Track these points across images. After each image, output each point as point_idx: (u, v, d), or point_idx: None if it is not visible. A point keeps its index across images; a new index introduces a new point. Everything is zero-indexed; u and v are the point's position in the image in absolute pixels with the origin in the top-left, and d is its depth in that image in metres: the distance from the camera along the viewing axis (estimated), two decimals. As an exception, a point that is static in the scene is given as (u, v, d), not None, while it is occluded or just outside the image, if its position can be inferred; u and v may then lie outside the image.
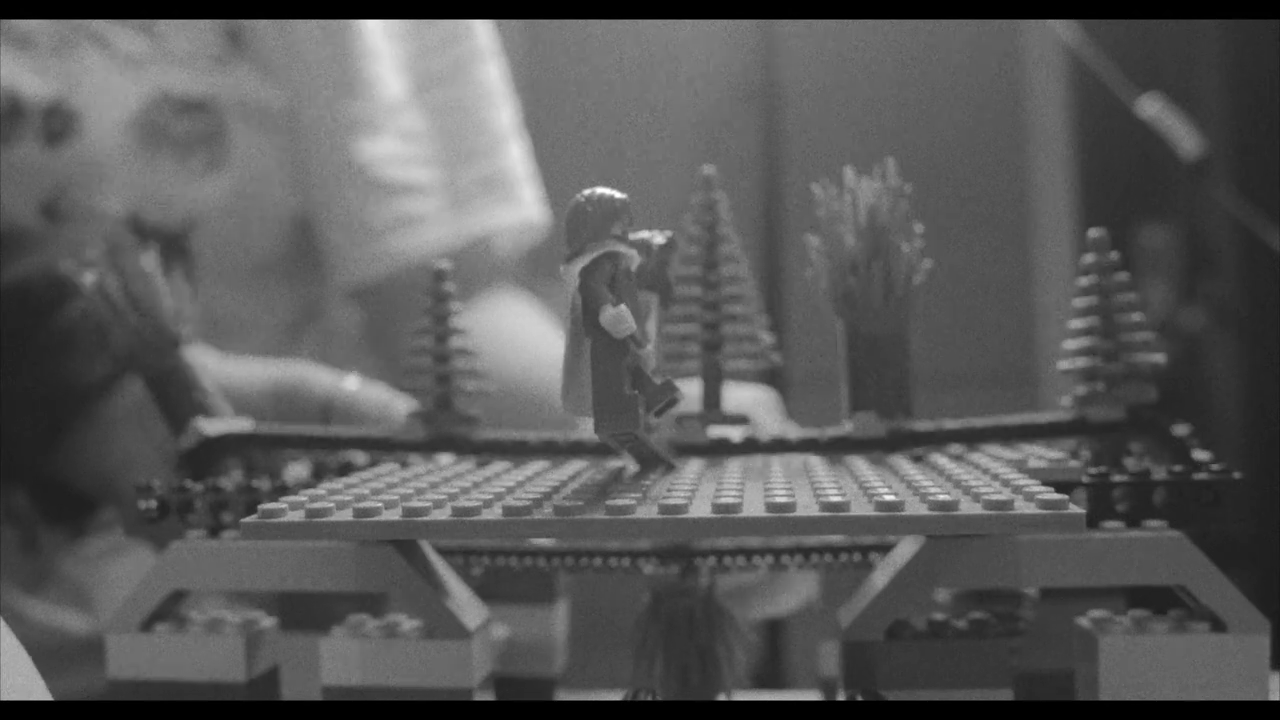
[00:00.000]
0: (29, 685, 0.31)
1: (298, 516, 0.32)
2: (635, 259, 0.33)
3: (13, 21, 0.73)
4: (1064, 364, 0.41)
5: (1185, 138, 1.25)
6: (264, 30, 0.77)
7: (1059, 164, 2.16)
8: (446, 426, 0.45)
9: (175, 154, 0.74)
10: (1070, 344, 0.41)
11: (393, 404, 0.55)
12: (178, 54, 0.75)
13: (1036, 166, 2.15)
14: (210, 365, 0.61)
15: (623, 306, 0.31)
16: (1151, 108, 1.26)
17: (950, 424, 0.42)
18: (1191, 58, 2.24)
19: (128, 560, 0.73)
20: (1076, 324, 0.41)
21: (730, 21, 1.78)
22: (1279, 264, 1.19)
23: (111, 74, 0.74)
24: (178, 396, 0.47)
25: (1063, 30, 1.36)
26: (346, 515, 0.32)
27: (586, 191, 0.33)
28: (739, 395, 0.65)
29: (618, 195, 0.33)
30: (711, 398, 0.43)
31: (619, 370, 0.32)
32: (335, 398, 0.56)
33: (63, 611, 0.73)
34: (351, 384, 0.58)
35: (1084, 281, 0.41)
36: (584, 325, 0.32)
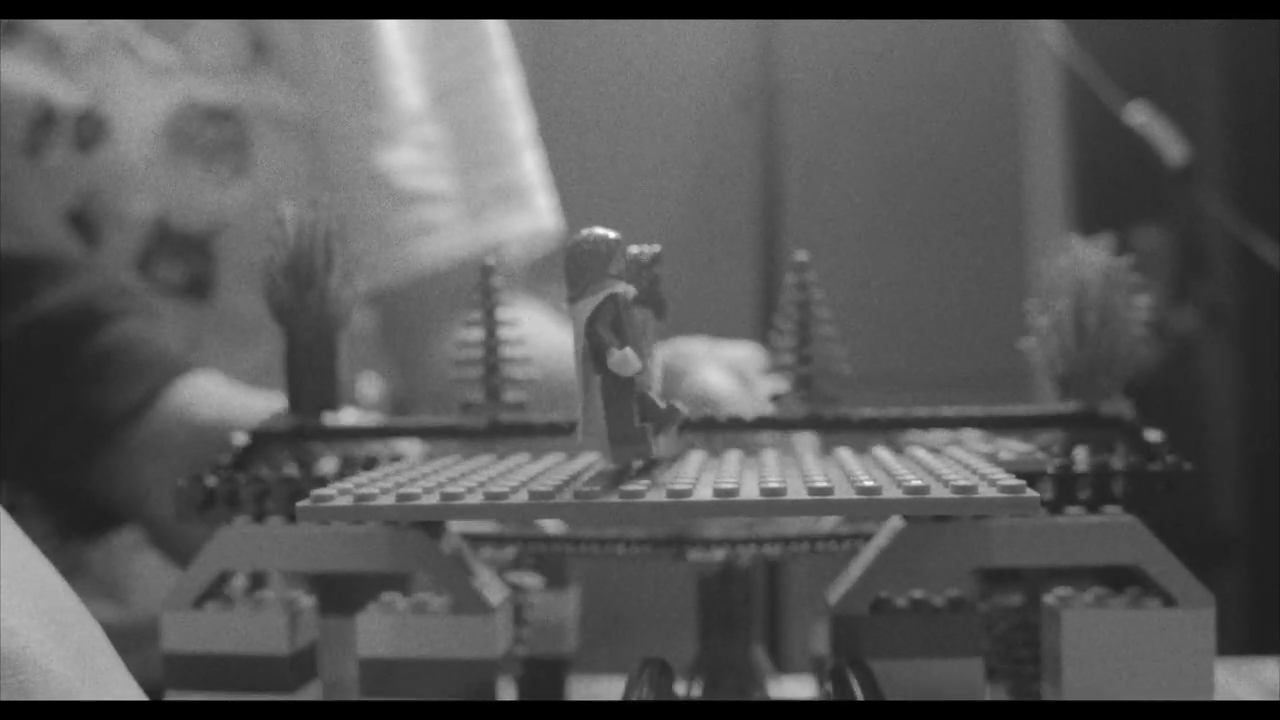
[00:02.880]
0: (112, 669, 0.35)
1: (346, 501, 0.36)
2: (632, 291, 0.36)
3: (45, 31, 0.77)
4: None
5: (1171, 145, 1.28)
6: (288, 41, 0.80)
7: (1053, 168, 2.19)
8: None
9: (201, 160, 0.77)
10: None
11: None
12: (204, 64, 0.78)
13: (1031, 170, 2.19)
14: (219, 393, 0.64)
15: (628, 349, 0.35)
16: (1139, 116, 1.29)
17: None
18: (1187, 64, 2.27)
19: (155, 553, 0.77)
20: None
21: (729, 28, 1.82)
22: (1270, 266, 1.23)
23: (141, 83, 0.77)
24: None
25: (1054, 38, 1.39)
26: (390, 499, 0.36)
27: (582, 234, 0.36)
28: (731, 352, 0.69)
29: (610, 235, 0.36)
30: None
31: (629, 405, 0.36)
32: None
33: (94, 603, 0.76)
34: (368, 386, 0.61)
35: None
36: (593, 366, 0.36)
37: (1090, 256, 0.45)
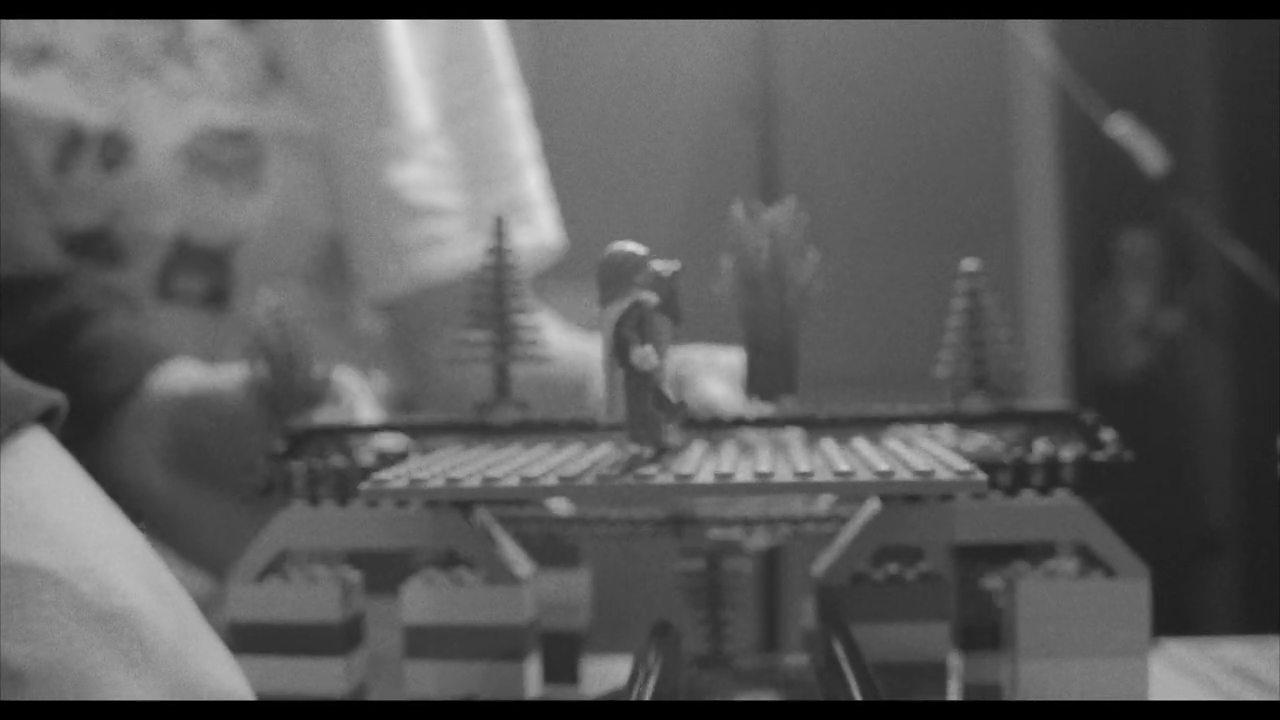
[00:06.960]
0: (205, 629, 0.41)
1: (402, 484, 0.42)
2: (655, 300, 0.43)
3: (73, 57, 0.82)
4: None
5: (1151, 155, 1.34)
6: (301, 64, 0.85)
7: (1045, 174, 2.25)
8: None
9: (220, 179, 0.82)
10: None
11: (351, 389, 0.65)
12: (222, 87, 0.83)
13: (1023, 176, 2.24)
14: (194, 375, 0.71)
15: (648, 347, 0.42)
16: (1121, 127, 1.35)
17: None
18: (1176, 73, 2.32)
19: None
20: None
21: (728, 37, 1.87)
22: (1255, 269, 1.28)
23: (162, 106, 0.82)
24: None
25: (1041, 50, 1.45)
26: (440, 483, 0.42)
27: (615, 247, 0.43)
28: (727, 359, 0.75)
29: (639, 251, 0.43)
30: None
31: (646, 396, 0.43)
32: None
33: None
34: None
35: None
36: (618, 360, 0.42)
37: (766, 218, 0.50)
